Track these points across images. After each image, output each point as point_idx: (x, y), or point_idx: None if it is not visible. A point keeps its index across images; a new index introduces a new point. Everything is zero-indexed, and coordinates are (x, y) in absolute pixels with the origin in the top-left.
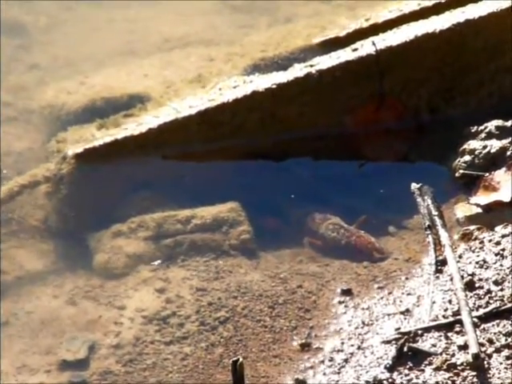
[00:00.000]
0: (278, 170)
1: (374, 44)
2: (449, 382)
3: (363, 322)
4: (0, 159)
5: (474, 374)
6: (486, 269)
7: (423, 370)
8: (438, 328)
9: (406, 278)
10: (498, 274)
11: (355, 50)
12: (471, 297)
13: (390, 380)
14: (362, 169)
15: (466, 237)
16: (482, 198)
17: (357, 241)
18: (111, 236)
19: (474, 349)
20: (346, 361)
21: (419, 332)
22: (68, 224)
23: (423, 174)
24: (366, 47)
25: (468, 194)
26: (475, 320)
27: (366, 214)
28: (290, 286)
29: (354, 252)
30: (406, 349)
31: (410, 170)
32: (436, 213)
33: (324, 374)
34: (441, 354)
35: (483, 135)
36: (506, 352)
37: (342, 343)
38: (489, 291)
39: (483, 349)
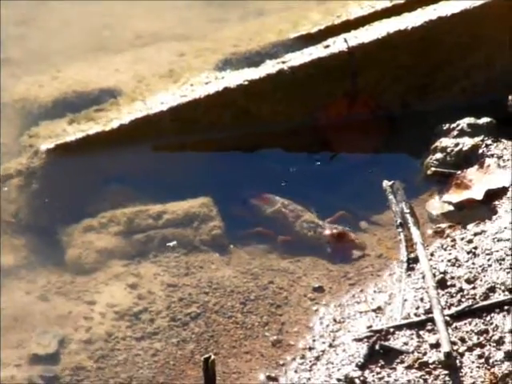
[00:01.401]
0: (251, 165)
1: (345, 41)
2: (421, 380)
3: (335, 320)
4: None
5: (446, 372)
6: (458, 267)
7: (395, 369)
8: (409, 326)
9: (378, 275)
10: (470, 272)
11: (327, 46)
12: (443, 295)
13: (361, 378)
14: (333, 164)
15: (438, 234)
16: (454, 195)
17: (335, 240)
18: (82, 231)
19: (446, 347)
20: (317, 358)
21: (391, 330)
22: (39, 218)
23: (395, 169)
24: (337, 44)
25: (440, 192)
26: (447, 318)
27: (342, 210)
28: (262, 281)
29: (332, 251)
30: (377, 347)
31: (382, 166)
32: (408, 210)
33: (295, 371)
34: (413, 352)
35: (455, 133)
36: (478, 351)
37: (314, 340)
38: (461, 289)
39: (455, 347)
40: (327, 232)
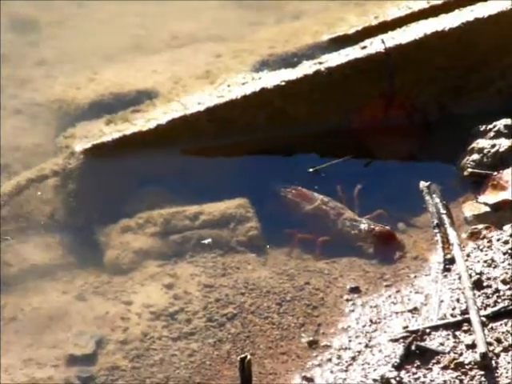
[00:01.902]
0: (286, 166)
1: (383, 42)
2: (456, 381)
3: (371, 320)
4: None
5: (482, 373)
6: (494, 268)
7: (431, 369)
8: (445, 327)
9: (415, 276)
10: (506, 273)
11: (364, 47)
12: (479, 296)
13: (397, 378)
14: (370, 166)
15: (474, 235)
16: (491, 196)
17: (381, 239)
18: (120, 231)
19: (481, 348)
20: (353, 359)
21: (427, 330)
22: (76, 219)
23: (432, 172)
24: (375, 45)
25: (476, 193)
26: (483, 319)
27: (381, 209)
28: (298, 282)
29: (375, 251)
30: (413, 347)
31: (419, 168)
32: (444, 211)
33: (331, 371)
34: (449, 352)
35: (492, 134)
36: None
37: (350, 341)
38: (497, 290)
39: (491, 348)
40: (376, 229)
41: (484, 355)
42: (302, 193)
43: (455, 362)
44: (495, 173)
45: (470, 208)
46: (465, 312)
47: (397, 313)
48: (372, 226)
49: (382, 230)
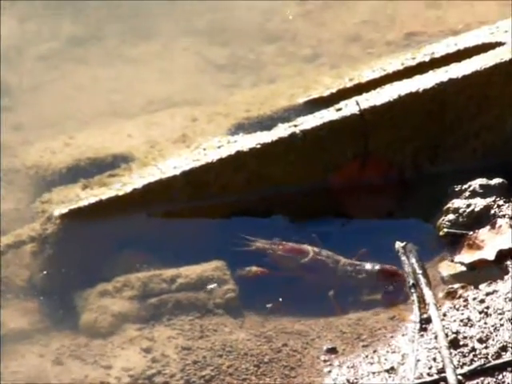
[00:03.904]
0: (263, 228)
1: (357, 104)
2: None
3: (348, 380)
4: None
5: None
6: (470, 327)
7: None
8: None
9: (391, 336)
10: (483, 331)
11: (339, 109)
12: (456, 354)
13: None
14: (345, 226)
15: (451, 295)
16: (466, 256)
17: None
18: (97, 295)
19: None
20: None
21: None
22: (53, 283)
23: (408, 231)
24: (349, 107)
25: (452, 253)
26: (460, 377)
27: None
28: (276, 344)
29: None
30: None
31: (395, 228)
32: (420, 271)
33: None
34: None
35: (467, 194)
36: None
37: None
38: (473, 349)
39: None
40: (385, 267)
41: None
42: (292, 247)
43: None
44: (471, 232)
45: (446, 267)
46: (441, 371)
47: (374, 373)
48: (378, 266)
49: (390, 268)
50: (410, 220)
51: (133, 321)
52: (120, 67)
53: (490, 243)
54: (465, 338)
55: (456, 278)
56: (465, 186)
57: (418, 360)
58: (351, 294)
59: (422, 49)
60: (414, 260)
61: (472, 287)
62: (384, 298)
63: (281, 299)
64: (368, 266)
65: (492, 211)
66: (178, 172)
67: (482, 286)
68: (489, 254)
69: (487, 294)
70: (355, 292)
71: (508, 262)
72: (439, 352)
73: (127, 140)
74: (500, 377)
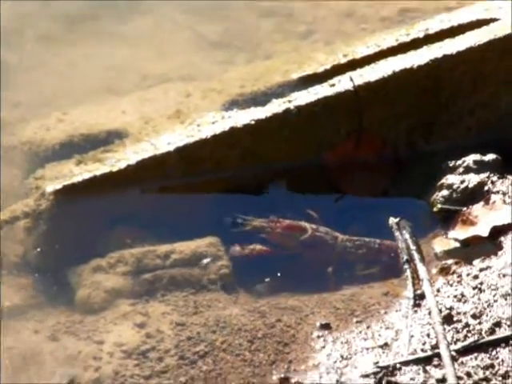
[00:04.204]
0: (258, 204)
1: (351, 79)
2: None
3: (342, 356)
4: None
5: None
6: (464, 302)
7: None
8: (416, 362)
9: (385, 312)
10: (476, 307)
11: (333, 85)
12: (449, 330)
13: None
14: (339, 203)
15: (444, 271)
16: (460, 232)
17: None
18: (91, 271)
19: (452, 382)
20: None
21: (398, 366)
22: (47, 259)
23: (401, 208)
24: (343, 83)
25: (446, 229)
26: (453, 353)
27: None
28: (269, 320)
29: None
30: (384, 383)
31: (389, 205)
32: (414, 247)
33: None
34: None
35: (461, 170)
36: None
37: (321, 377)
38: (467, 325)
39: (461, 382)
40: (384, 243)
41: None
42: (290, 224)
43: None
44: (465, 208)
45: (440, 243)
46: (435, 347)
47: (367, 348)
48: (378, 241)
49: (389, 243)
50: (404, 196)
51: (126, 296)
52: (114, 44)
53: (483, 219)
54: (458, 313)
55: (450, 253)
56: (459, 162)
57: (412, 336)
58: (345, 270)
59: (416, 25)
60: (407, 236)
61: (466, 263)
62: (382, 273)
63: (275, 275)
64: (368, 241)
65: (486, 187)
66: (171, 148)
67: (476, 262)
68: (483, 230)
69: (481, 270)
70: (349, 268)
71: (502, 238)
72: (433, 328)
73: (121, 116)
74: (494, 353)
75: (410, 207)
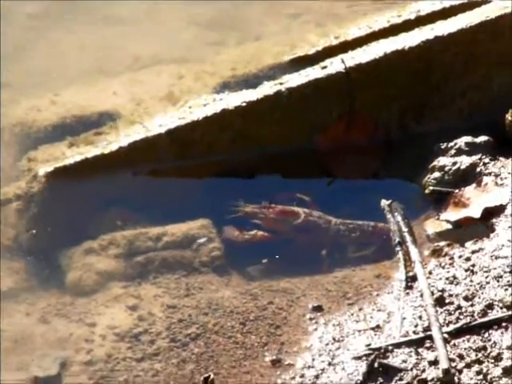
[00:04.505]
0: (249, 187)
1: (343, 61)
2: None
3: (334, 338)
4: None
5: None
6: (456, 285)
7: None
8: (408, 344)
9: (377, 294)
10: (468, 289)
11: (324, 67)
12: (441, 312)
13: None
14: (331, 186)
15: (436, 253)
16: (452, 214)
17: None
18: (83, 253)
19: (444, 364)
20: (316, 377)
21: (390, 348)
22: (39, 242)
23: (393, 190)
24: (335, 65)
25: (438, 211)
26: (445, 336)
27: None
28: (261, 302)
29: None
30: (376, 365)
31: (381, 187)
32: (406, 229)
33: None
34: (411, 369)
35: (453, 152)
36: (476, 367)
37: (313, 359)
38: (459, 307)
39: (454, 364)
40: (378, 225)
41: (446, 371)
42: (283, 209)
43: (418, 378)
44: (456, 190)
45: (432, 225)
46: (427, 329)
47: (359, 331)
48: (372, 224)
49: (383, 226)
50: (396, 179)
51: (118, 279)
52: (106, 26)
53: (475, 201)
54: (450, 296)
55: (442, 235)
56: (450, 144)
57: (404, 318)
58: (337, 252)
59: (408, 7)
60: (399, 218)
61: (458, 245)
62: (374, 255)
63: (267, 258)
64: (361, 224)
65: (478, 169)
66: (163, 130)
67: (468, 244)
68: (475, 211)
69: (473, 252)
70: (341, 250)
71: (494, 220)
72: (425, 310)
73: (113, 98)
74: (486, 335)
75: (402, 189)
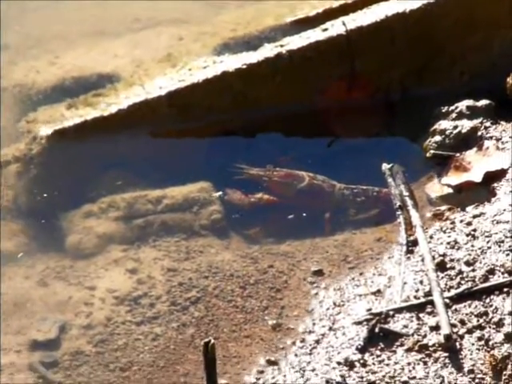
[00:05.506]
0: (250, 149)
1: (344, 24)
2: (420, 362)
3: (334, 303)
4: None
5: (446, 354)
6: (457, 249)
7: (395, 351)
8: (409, 309)
9: (378, 259)
10: (470, 254)
11: (325, 30)
12: (443, 277)
13: (361, 361)
14: (332, 147)
15: (437, 217)
16: (453, 178)
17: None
18: (82, 216)
19: (445, 330)
20: (317, 342)
21: (391, 313)
22: (38, 204)
23: (395, 152)
24: (336, 27)
25: (439, 174)
26: (447, 301)
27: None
28: (261, 265)
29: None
30: (377, 330)
31: (382, 149)
32: (407, 193)
33: (296, 355)
34: (412, 334)
35: (454, 115)
36: (477, 333)
37: (314, 324)
38: (460, 272)
39: (455, 330)
40: (383, 191)
41: (448, 337)
42: (287, 173)
43: (419, 343)
44: (458, 154)
45: (433, 189)
46: (428, 294)
47: (360, 295)
48: (377, 189)
49: (387, 191)
50: (397, 141)
51: (118, 242)
52: None
53: (476, 165)
54: (452, 260)
55: (443, 199)
56: (451, 108)
57: (405, 283)
58: (340, 216)
59: None
60: (400, 182)
61: (459, 209)
62: (375, 219)
63: (268, 221)
64: (366, 189)
65: (479, 133)
66: (163, 92)
67: (469, 209)
68: (476, 175)
69: (474, 217)
70: (344, 214)
71: (495, 184)
72: (426, 275)
73: (112, 59)
74: (487, 300)
75: (403, 151)
